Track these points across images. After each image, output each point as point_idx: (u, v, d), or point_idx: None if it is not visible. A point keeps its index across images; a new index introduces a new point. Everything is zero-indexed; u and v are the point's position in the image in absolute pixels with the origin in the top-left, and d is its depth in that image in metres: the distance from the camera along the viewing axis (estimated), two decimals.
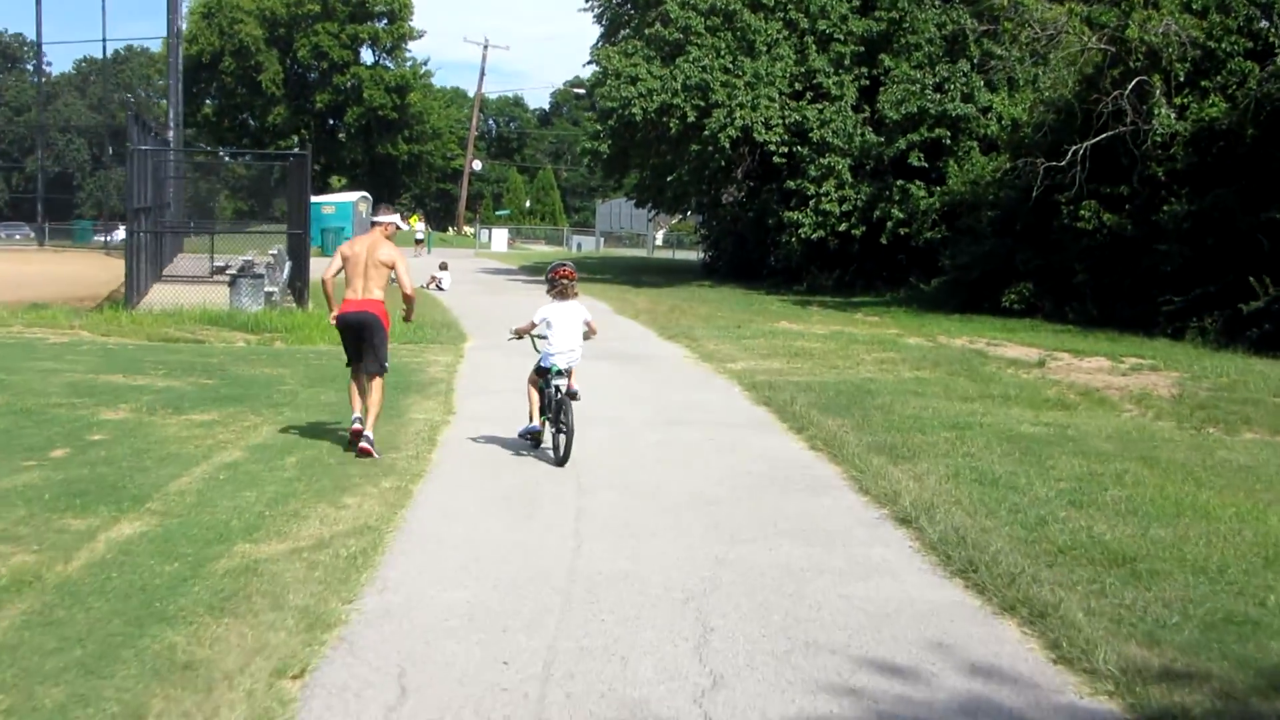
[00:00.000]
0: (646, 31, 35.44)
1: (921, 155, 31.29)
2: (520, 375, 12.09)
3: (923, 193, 31.22)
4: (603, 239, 75.53)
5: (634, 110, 33.04)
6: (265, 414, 12.21)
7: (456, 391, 14.35)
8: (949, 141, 31.29)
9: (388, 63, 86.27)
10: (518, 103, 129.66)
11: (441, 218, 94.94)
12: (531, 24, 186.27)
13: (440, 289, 31.55)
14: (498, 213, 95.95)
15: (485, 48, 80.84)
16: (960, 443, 11.31)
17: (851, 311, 28.26)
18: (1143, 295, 23.64)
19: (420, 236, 58.42)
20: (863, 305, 29.87)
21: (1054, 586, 6.76)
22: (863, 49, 34.70)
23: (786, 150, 33.66)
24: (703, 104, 33.00)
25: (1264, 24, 23.64)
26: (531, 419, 10.74)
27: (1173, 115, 23.40)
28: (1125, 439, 11.94)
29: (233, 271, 31.31)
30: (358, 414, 10.49)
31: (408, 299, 10.66)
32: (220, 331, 20.31)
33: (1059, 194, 25.40)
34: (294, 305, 23.69)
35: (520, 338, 11.04)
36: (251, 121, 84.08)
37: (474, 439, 11.38)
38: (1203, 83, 23.55)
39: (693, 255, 61.41)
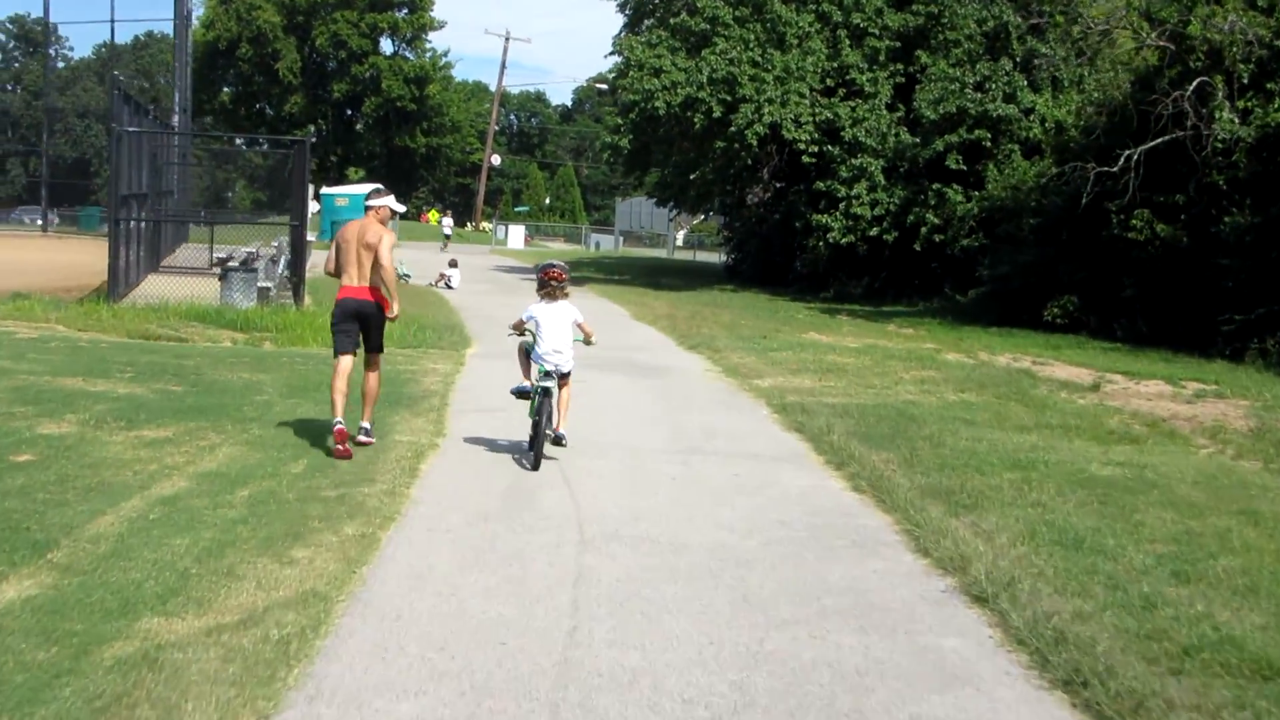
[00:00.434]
0: (672, 21, 33.85)
1: (960, 158, 29.67)
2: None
3: (960, 197, 29.61)
4: (622, 238, 73.88)
5: (657, 104, 31.43)
6: (229, 431, 10.68)
7: (450, 408, 12.81)
8: (989, 144, 29.67)
9: (407, 53, 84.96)
10: (539, 98, 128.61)
11: (461, 213, 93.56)
12: (554, 18, 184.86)
13: (449, 287, 30.04)
14: (517, 209, 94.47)
15: (507, 40, 79.19)
16: (1027, 487, 9.74)
17: (883, 322, 26.66)
18: (1199, 313, 22.00)
19: (448, 233, 56.64)
20: (894, 315, 28.27)
21: (1191, 713, 5.19)
22: (899, 44, 33.09)
23: (816, 149, 32.05)
24: (729, 98, 31.38)
25: None
26: (524, 380, 10.67)
27: (1236, 119, 21.77)
28: (1213, 485, 10.34)
29: (233, 264, 29.88)
30: (339, 419, 10.04)
31: (383, 270, 10.15)
32: (206, 329, 18.80)
33: (1109, 202, 23.82)
34: (291, 301, 22.20)
35: (521, 335, 10.62)
36: (268, 110, 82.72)
37: (463, 469, 9.84)
38: (1269, 85, 21.91)
39: (714, 257, 59.80)
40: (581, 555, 7.48)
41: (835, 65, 32.77)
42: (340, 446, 9.82)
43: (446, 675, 5.39)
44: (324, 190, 57.00)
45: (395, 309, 10.50)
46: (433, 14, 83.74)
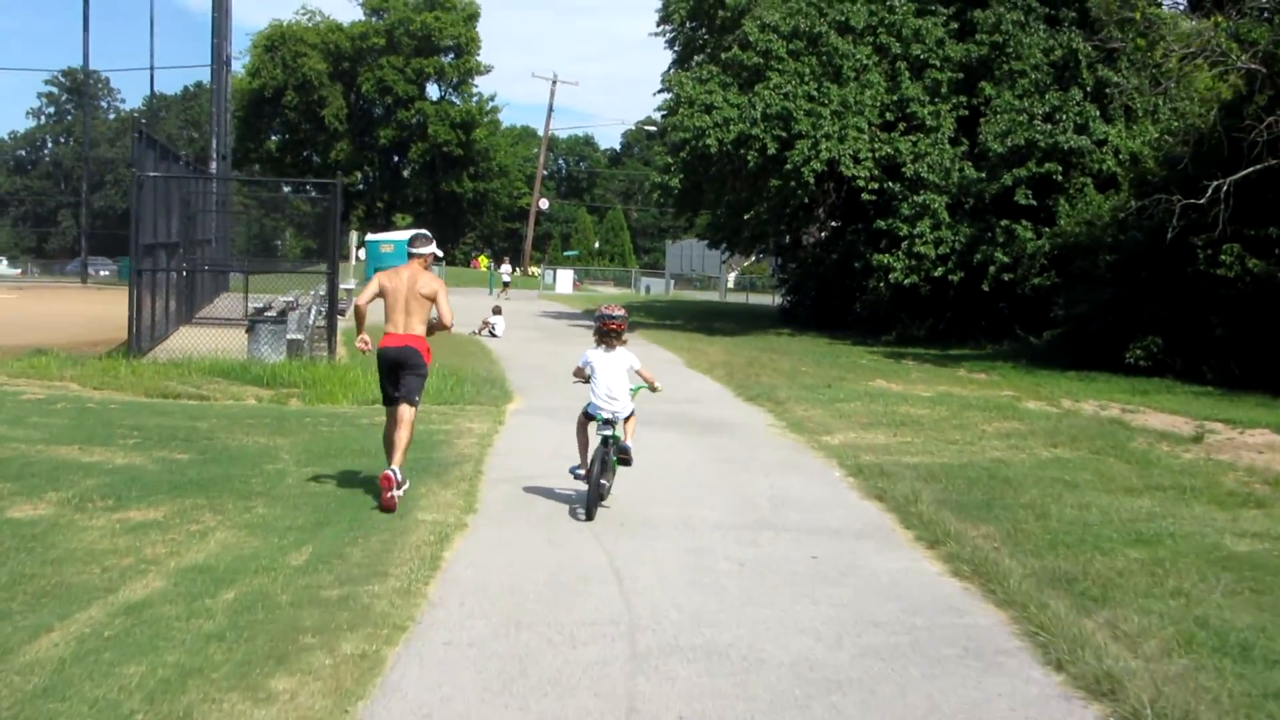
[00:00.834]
0: (723, 56, 32.48)
1: (1029, 192, 28.10)
2: (575, 451, 10.47)
3: (1030, 234, 28.04)
4: (673, 281, 72.59)
5: (709, 141, 30.04)
6: (228, 510, 9.32)
7: (485, 477, 11.37)
8: (1060, 177, 28.09)
9: (454, 98, 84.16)
10: (588, 142, 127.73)
11: (510, 258, 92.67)
12: (602, 62, 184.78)
13: (493, 335, 28.71)
14: (566, 253, 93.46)
15: (554, 83, 78.08)
16: (1160, 571, 8.24)
17: (952, 367, 25.08)
18: None
19: (507, 279, 55.20)
20: (963, 359, 26.67)
21: None
22: (961, 76, 31.60)
23: (876, 186, 30.56)
24: (784, 134, 29.96)
25: None
26: (581, 463, 10.20)
27: None
28: None
29: (270, 313, 28.71)
30: (394, 466, 9.84)
31: (444, 328, 10.28)
32: (230, 385, 17.54)
33: (1194, 236, 22.25)
34: (324, 354, 20.94)
35: (585, 380, 10.45)
36: (315, 158, 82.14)
37: (494, 557, 8.39)
38: None
39: (767, 300, 58.33)
40: (634, 678, 6.02)
41: (895, 99, 31.32)
42: (388, 494, 9.60)
43: None
44: (369, 237, 56.07)
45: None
46: (479, 58, 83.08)
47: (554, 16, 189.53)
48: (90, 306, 38.59)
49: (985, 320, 30.45)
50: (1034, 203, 28.12)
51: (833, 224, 37.45)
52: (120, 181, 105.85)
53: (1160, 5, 26.30)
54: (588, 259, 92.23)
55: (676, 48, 37.72)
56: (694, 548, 8.83)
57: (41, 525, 8.53)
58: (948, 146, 30.64)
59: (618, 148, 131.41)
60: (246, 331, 19.82)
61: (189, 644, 6.13)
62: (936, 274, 29.49)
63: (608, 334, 10.25)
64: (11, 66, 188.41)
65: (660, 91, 34.66)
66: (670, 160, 33.13)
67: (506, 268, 57.46)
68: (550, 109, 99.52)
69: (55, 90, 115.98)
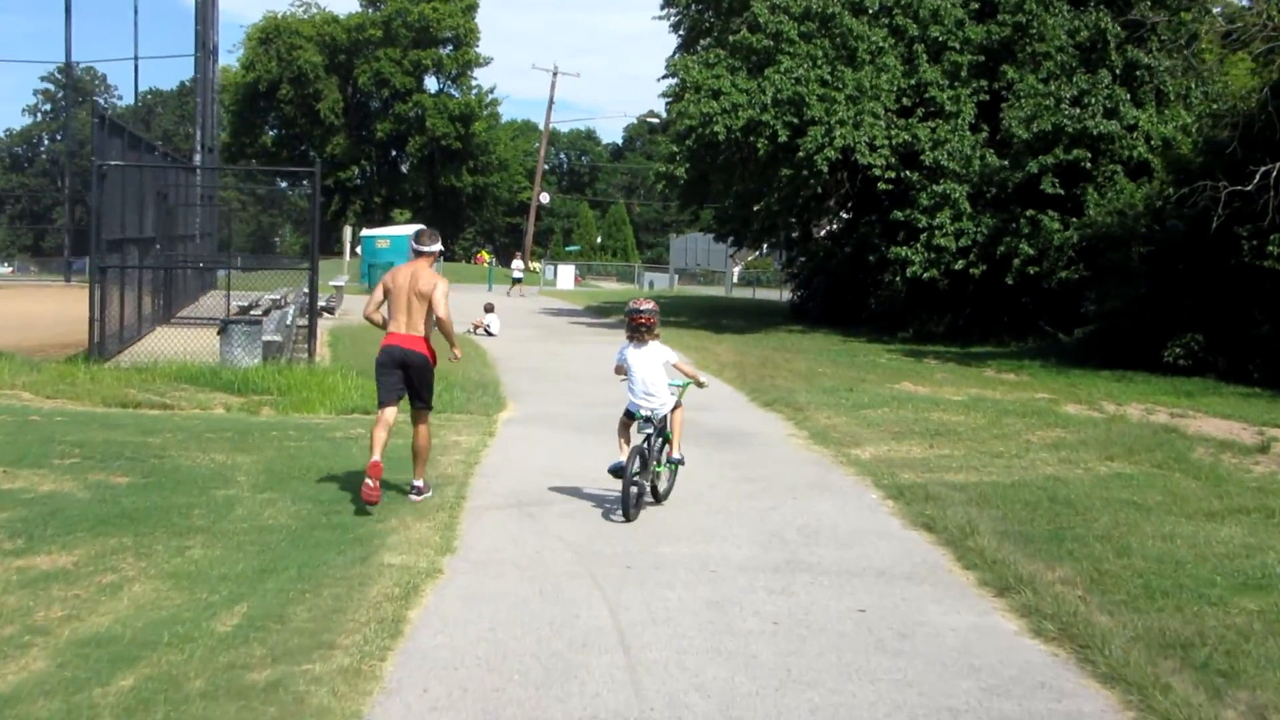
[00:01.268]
0: (731, 39, 30.83)
1: (1056, 181, 26.47)
2: (577, 466, 10.75)
3: (1057, 225, 26.45)
4: (677, 276, 70.92)
5: (716, 128, 28.40)
6: (156, 553, 7.81)
7: (469, 503, 9.81)
8: (1088, 165, 26.47)
9: (452, 90, 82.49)
10: (589, 136, 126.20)
11: (510, 254, 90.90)
12: (604, 57, 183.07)
13: (489, 334, 27.16)
14: (568, 248, 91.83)
15: (554, 74, 76.35)
16: None
17: (977, 367, 23.52)
18: None
19: (519, 275, 53.41)
20: (988, 358, 25.10)
21: None
22: (982, 59, 29.95)
23: (893, 176, 28.94)
24: (796, 121, 28.32)
25: None
26: (622, 457, 9.71)
27: None
28: None
29: (256, 313, 27.22)
30: (377, 456, 9.42)
31: (441, 323, 9.78)
32: (198, 393, 15.99)
33: (1239, 226, 20.71)
34: (304, 357, 19.40)
35: (623, 378, 10.13)
36: (311, 152, 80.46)
37: (471, 618, 6.84)
38: None
39: (774, 295, 56.78)
40: None
41: (912, 83, 29.69)
42: (371, 483, 9.20)
43: None
44: (364, 232, 54.58)
45: (458, 352, 10.20)
46: (478, 50, 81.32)
47: (553, 11, 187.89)
48: (71, 306, 37.04)
49: (1008, 316, 28.85)
50: (1061, 191, 26.51)
51: (843, 215, 35.88)
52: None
53: None
54: (590, 254, 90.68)
55: (681, 32, 35.95)
56: (715, 599, 7.28)
57: None
58: (968, 133, 29.03)
59: (620, 142, 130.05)
60: (219, 333, 18.27)
61: None
62: (957, 267, 27.87)
63: (637, 328, 9.92)
64: (9, 59, 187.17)
65: (665, 77, 32.98)
66: (675, 149, 31.47)
67: (518, 263, 55.65)
68: (551, 101, 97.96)
69: (51, 87, 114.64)
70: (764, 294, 59.23)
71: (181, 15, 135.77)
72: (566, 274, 62.53)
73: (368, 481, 9.21)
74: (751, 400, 17.28)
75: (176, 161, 32.97)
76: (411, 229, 56.37)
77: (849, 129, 28.07)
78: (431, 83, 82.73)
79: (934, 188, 28.13)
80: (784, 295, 53.45)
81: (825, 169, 28.29)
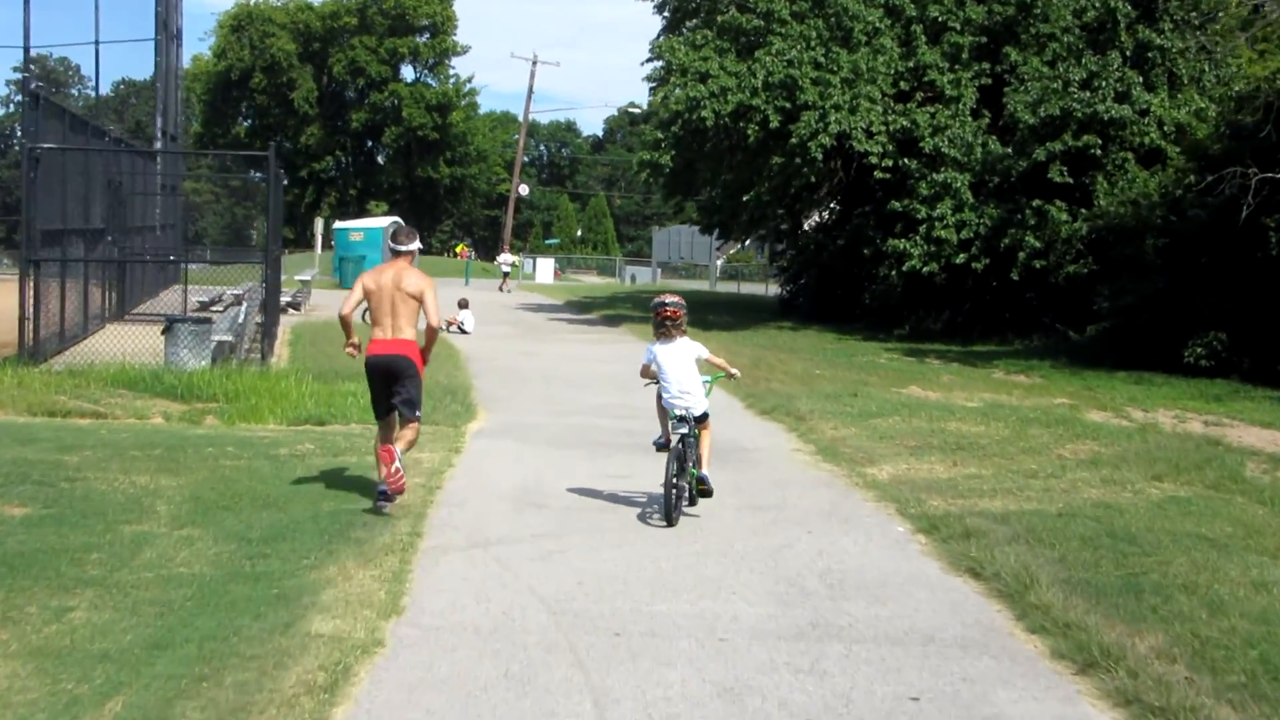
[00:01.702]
0: (719, 20, 29.22)
1: (1064, 169, 24.98)
2: (554, 490, 9.88)
3: (1064, 216, 24.94)
4: (659, 270, 69.29)
5: (704, 113, 26.78)
6: (29, 618, 6.30)
7: (425, 540, 8.25)
8: (1098, 152, 24.97)
9: (429, 80, 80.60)
10: (569, 128, 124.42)
11: (490, 246, 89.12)
12: (585, 50, 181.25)
13: (462, 332, 25.54)
14: (547, 241, 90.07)
15: (534, 64, 74.44)
16: None
17: (983, 367, 22.05)
18: None
19: (507, 269, 51.51)
20: (993, 358, 23.61)
21: None
22: (983, 40, 28.39)
23: (890, 164, 27.38)
24: (788, 105, 26.75)
25: None
26: (664, 434, 9.56)
27: None
28: None
29: (218, 308, 25.70)
30: (384, 487, 8.97)
31: (430, 332, 9.46)
32: (136, 399, 14.38)
33: (1266, 216, 19.29)
34: (259, 359, 17.80)
35: (653, 380, 9.74)
36: (286, 143, 78.57)
37: (416, 714, 5.28)
38: None
39: (759, 289, 55.32)
40: None
41: (910, 65, 28.13)
42: (392, 467, 8.86)
43: None
44: (337, 224, 52.89)
45: (422, 370, 9.53)
46: (455, 38, 79.49)
47: (533, 1, 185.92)
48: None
49: (1010, 312, 27.33)
50: (1070, 180, 25.00)
51: (835, 206, 34.35)
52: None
53: None
54: (570, 247, 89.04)
55: (666, 13, 34.10)
56: (728, 683, 5.74)
57: None
58: (969, 118, 27.52)
59: (600, 134, 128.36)
60: (163, 333, 16.63)
61: None
62: (958, 261, 26.32)
63: (664, 323, 9.55)
64: None
65: (649, 60, 31.25)
66: (660, 135, 29.80)
67: (506, 257, 53.74)
68: (530, 90, 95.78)
69: (22, 77, 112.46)
70: (749, 288, 57.78)
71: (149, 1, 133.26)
72: (546, 268, 60.87)
73: (385, 467, 8.93)
74: (748, 408, 15.73)
75: (131, 147, 31.21)
76: (386, 221, 55.06)
77: (844, 114, 26.52)
78: (408, 72, 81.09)
79: (934, 176, 26.60)
80: (769, 289, 52.02)
81: (820, 156, 26.75)
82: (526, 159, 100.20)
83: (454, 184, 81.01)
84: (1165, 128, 25.12)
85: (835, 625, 6.68)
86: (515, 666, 5.85)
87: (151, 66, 35.31)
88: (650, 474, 10.46)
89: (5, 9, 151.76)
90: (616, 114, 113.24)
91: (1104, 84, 24.98)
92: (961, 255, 26.27)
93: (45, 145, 16.52)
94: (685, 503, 9.27)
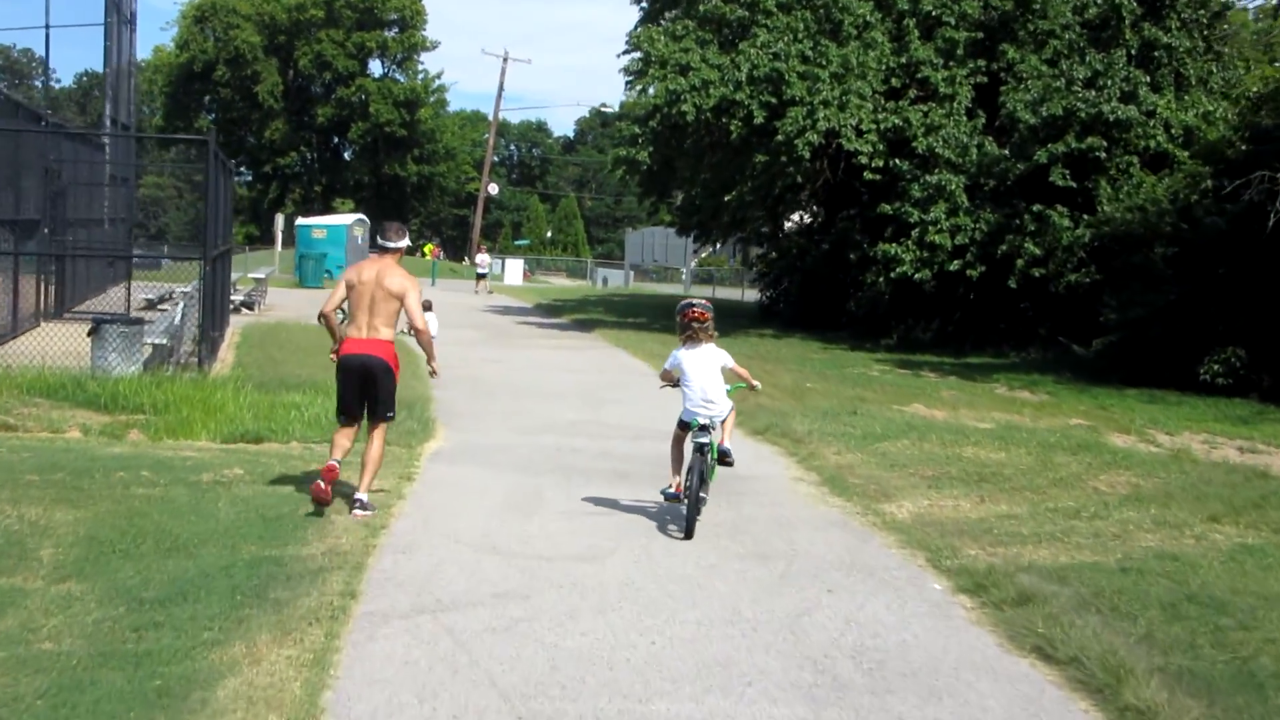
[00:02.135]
0: (700, 9, 27.66)
1: (1066, 173, 23.56)
2: (521, 533, 8.43)
3: (1066, 222, 23.52)
4: (632, 273, 67.65)
5: (684, 108, 25.20)
6: None
7: (361, 606, 6.65)
8: (1102, 154, 23.57)
9: (398, 75, 78.75)
10: (540, 128, 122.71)
11: (458, 246, 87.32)
12: (557, 52, 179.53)
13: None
14: (517, 242, 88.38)
15: (504, 60, 72.85)
16: None
17: (982, 381, 20.59)
18: None
19: (483, 270, 49.36)
20: (991, 371, 22.15)
21: None
22: (979, 35, 26.90)
23: (881, 164, 25.87)
24: (774, 101, 25.21)
25: None
26: (672, 482, 8.97)
27: None
28: None
29: (165, 306, 24.06)
30: (336, 458, 8.70)
31: (417, 332, 8.96)
32: (54, 409, 12.72)
33: None
34: (201, 364, 16.14)
35: (674, 385, 9.32)
36: (250, 138, 76.63)
37: None
38: None
39: (735, 294, 53.78)
40: None
41: (902, 61, 26.65)
42: (323, 484, 8.48)
43: None
44: (300, 221, 51.09)
45: (436, 367, 9.68)
46: (425, 34, 77.63)
47: (504, 2, 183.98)
48: None
49: (1005, 323, 25.85)
50: (1073, 184, 23.57)
51: (817, 208, 32.88)
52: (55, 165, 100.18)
53: None
54: (539, 248, 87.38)
55: (644, 2, 32.61)
56: None
57: None
58: (964, 118, 26.06)
59: (571, 135, 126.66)
60: (89, 335, 14.96)
61: None
62: (952, 268, 24.82)
63: (690, 326, 9.11)
64: None
65: (626, 52, 29.63)
66: (638, 131, 28.19)
67: (484, 257, 51.50)
68: (500, 88, 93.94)
69: None
70: (724, 292, 56.22)
71: None
72: (515, 269, 59.17)
73: (319, 482, 8.50)
74: (737, 426, 14.17)
75: (60, 130, 29.39)
76: (350, 218, 53.29)
77: (833, 110, 25.01)
78: (376, 66, 79.05)
79: (927, 178, 25.12)
80: (745, 294, 50.54)
81: (807, 155, 25.22)
82: (496, 158, 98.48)
83: (422, 182, 79.11)
84: (1173, 130, 23.77)
85: None
86: None
87: (122, 61, 33.62)
88: (633, 508, 8.98)
89: None
90: (588, 114, 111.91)
91: (1109, 83, 23.60)
92: (955, 262, 24.80)
93: None
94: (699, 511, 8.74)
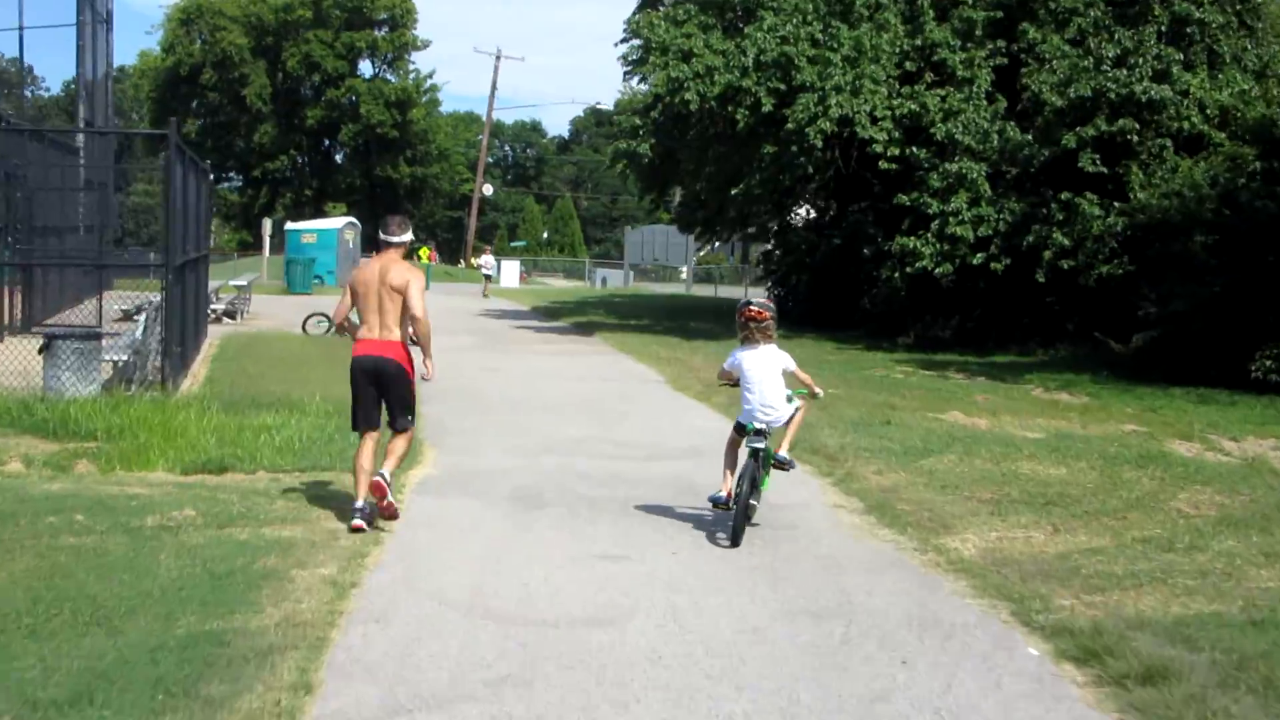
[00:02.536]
0: None
1: (1096, 158, 22.11)
2: (523, 592, 6.90)
3: (1097, 210, 22.07)
4: (632, 273, 66.07)
5: (687, 96, 23.71)
6: None
7: (315, 702, 5.21)
8: (1134, 138, 22.13)
9: (388, 75, 77.12)
10: (535, 128, 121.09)
11: (453, 249, 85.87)
12: (551, 53, 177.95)
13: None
14: (513, 244, 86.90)
15: (497, 59, 71.45)
16: None
17: (1015, 382, 19.17)
18: None
19: (489, 272, 47.73)
20: (1022, 371, 20.72)
21: None
22: (999, 15, 25.33)
23: (896, 153, 24.38)
24: (783, 87, 23.74)
25: None
26: (723, 487, 8.52)
27: None
28: None
29: (140, 318, 22.55)
30: (360, 503, 8.27)
31: (417, 324, 8.48)
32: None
33: None
34: (175, 379, 14.68)
35: (733, 384, 8.89)
36: (239, 142, 75.07)
37: None
38: None
39: (738, 291, 52.35)
40: None
41: (917, 44, 25.14)
42: (384, 502, 8.23)
43: None
44: (289, 226, 49.68)
45: (431, 370, 8.89)
46: (415, 32, 76.08)
47: (496, 3, 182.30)
48: None
49: (1029, 318, 24.36)
50: (1104, 170, 22.12)
51: (821, 203, 31.44)
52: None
53: None
54: (536, 250, 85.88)
55: None
56: None
57: None
58: (984, 103, 24.57)
59: (566, 135, 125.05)
60: (40, 351, 13.52)
61: None
62: (975, 261, 23.32)
63: (746, 324, 8.67)
64: None
65: (624, 40, 28.12)
66: (638, 122, 26.71)
67: (489, 259, 49.72)
68: (494, 86, 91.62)
69: None
70: (726, 291, 54.81)
71: None
72: (511, 270, 57.58)
73: (381, 502, 8.25)
74: None
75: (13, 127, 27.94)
76: (341, 222, 51.83)
77: (846, 96, 23.53)
78: (366, 67, 77.40)
79: (946, 167, 23.61)
80: (748, 292, 49.12)
81: (819, 144, 23.76)
82: (491, 160, 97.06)
83: (415, 184, 77.47)
84: (1208, 111, 22.31)
85: None
86: None
87: (98, 62, 32.32)
88: (652, 546, 7.60)
89: None
90: (583, 114, 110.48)
91: (1140, 62, 22.14)
92: (979, 255, 23.33)
93: None
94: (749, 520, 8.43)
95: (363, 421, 8.57)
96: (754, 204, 27.67)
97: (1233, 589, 7.33)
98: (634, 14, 29.40)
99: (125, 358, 14.32)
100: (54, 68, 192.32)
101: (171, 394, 13.59)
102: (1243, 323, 18.16)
